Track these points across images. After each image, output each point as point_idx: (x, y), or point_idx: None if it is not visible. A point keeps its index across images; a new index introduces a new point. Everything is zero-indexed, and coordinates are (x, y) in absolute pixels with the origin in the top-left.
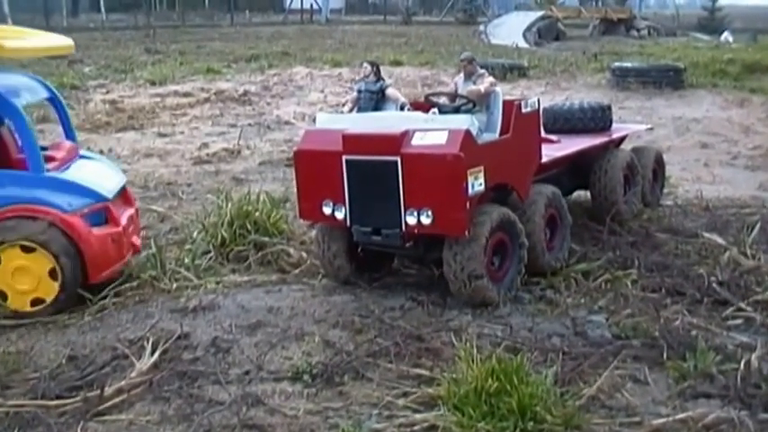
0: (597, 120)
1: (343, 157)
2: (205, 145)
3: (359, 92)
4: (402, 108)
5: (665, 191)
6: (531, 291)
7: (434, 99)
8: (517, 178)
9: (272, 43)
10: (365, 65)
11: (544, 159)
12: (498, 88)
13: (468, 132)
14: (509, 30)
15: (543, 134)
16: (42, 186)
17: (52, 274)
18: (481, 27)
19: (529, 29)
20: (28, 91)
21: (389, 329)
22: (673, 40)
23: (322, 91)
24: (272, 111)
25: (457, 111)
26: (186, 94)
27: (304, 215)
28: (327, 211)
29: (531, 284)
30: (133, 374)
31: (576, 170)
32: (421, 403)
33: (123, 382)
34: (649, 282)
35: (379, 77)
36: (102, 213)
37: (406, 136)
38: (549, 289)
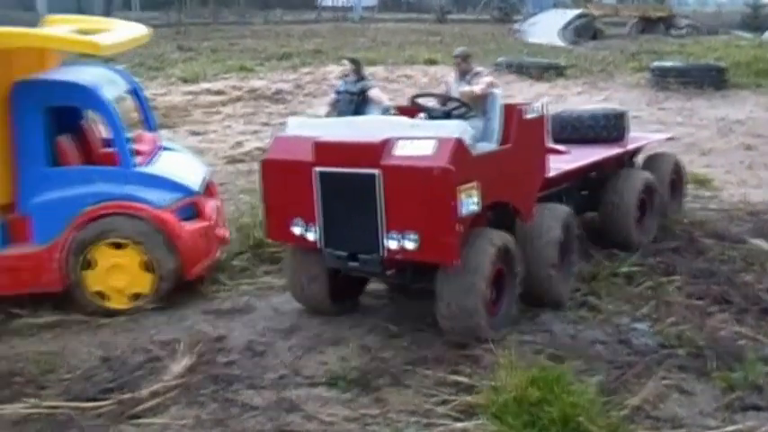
0: (610, 128)
1: (315, 169)
2: (239, 144)
3: (337, 93)
4: (386, 112)
5: (709, 194)
6: (572, 297)
7: (422, 102)
8: (519, 196)
9: (305, 41)
10: (344, 61)
11: (551, 173)
12: (498, 90)
13: (459, 141)
14: (545, 28)
15: (550, 144)
16: (133, 182)
17: (145, 266)
18: (516, 25)
19: (565, 27)
20: (112, 84)
21: (426, 335)
22: (714, 39)
23: None
24: (304, 109)
25: (448, 116)
26: (219, 92)
27: (271, 234)
28: (297, 231)
29: (571, 290)
30: (167, 377)
31: (585, 186)
32: (460, 411)
33: (158, 385)
34: (694, 289)
35: (360, 77)
36: (191, 208)
37: (387, 145)
38: (590, 295)
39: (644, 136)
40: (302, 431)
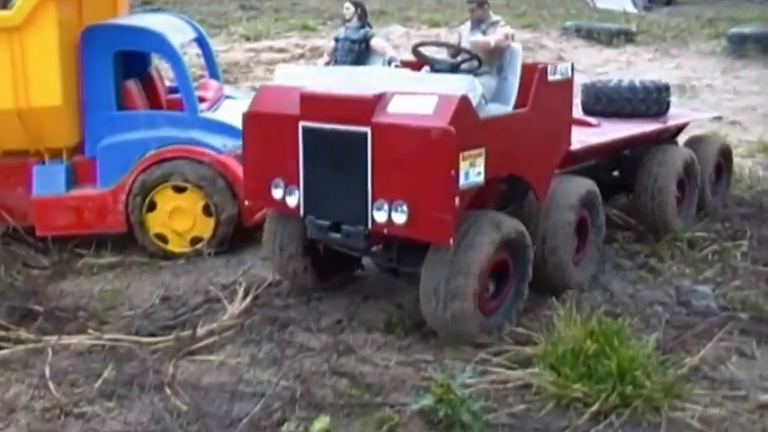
0: (650, 102)
1: (300, 124)
2: None
3: (336, 40)
4: (389, 64)
5: None
6: (632, 258)
7: (425, 52)
8: (533, 169)
9: (369, 1)
10: (347, 4)
11: (574, 146)
12: (517, 44)
13: (464, 100)
14: None
15: (580, 115)
16: (197, 127)
17: (206, 210)
18: None
19: None
20: (180, 31)
21: None
22: None
23: None
24: None
25: (455, 69)
26: (281, 50)
27: (250, 195)
28: (277, 193)
29: (632, 252)
30: (225, 317)
31: (617, 166)
32: (515, 361)
33: (215, 324)
34: (760, 254)
35: (364, 23)
36: None
37: (380, 100)
38: (652, 257)
39: (687, 113)
40: (356, 373)
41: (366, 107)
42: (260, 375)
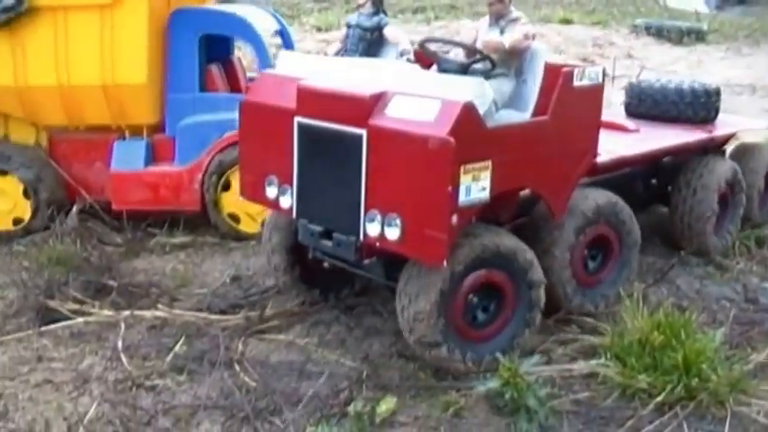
0: (697, 107)
1: (295, 119)
2: None
3: (348, 26)
4: (402, 56)
5: None
6: (700, 254)
7: (431, 47)
8: (550, 183)
9: None
10: None
11: (603, 158)
12: (539, 44)
13: (469, 107)
14: None
15: (621, 119)
16: None
17: None
18: None
19: None
20: (264, 21)
21: None
22: None
23: None
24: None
25: (465, 70)
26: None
27: (245, 192)
28: (271, 192)
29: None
30: (294, 300)
31: (656, 174)
32: (580, 352)
33: (285, 306)
34: None
35: (378, 9)
36: None
37: (380, 100)
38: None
39: (738, 121)
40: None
41: (363, 107)
42: (327, 356)
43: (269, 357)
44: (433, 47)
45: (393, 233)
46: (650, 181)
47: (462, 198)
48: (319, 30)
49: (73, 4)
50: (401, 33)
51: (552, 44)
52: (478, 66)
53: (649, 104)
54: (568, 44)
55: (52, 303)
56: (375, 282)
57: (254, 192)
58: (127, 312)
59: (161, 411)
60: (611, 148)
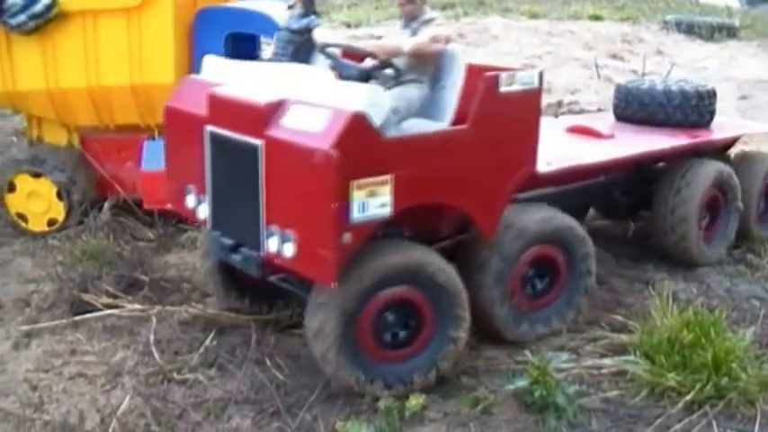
0: (687, 110)
1: (207, 128)
2: None
3: (278, 29)
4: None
5: None
6: (730, 253)
7: (330, 51)
8: (473, 198)
9: None
10: None
11: (549, 169)
12: (454, 46)
13: (358, 117)
14: None
15: (596, 124)
16: None
17: None
18: None
19: None
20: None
21: None
22: None
23: (517, 41)
24: (466, 58)
25: (367, 77)
26: (381, 38)
27: (170, 201)
28: (190, 202)
29: (729, 246)
30: None
31: (640, 180)
32: (609, 349)
33: None
34: None
35: (309, 10)
36: None
37: (278, 109)
38: (749, 253)
39: (737, 124)
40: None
41: (260, 116)
42: None
43: (300, 352)
44: (331, 51)
45: (289, 250)
46: (634, 188)
47: (356, 215)
48: (348, 26)
49: (102, 8)
50: (330, 35)
51: (582, 41)
52: (389, 71)
53: (635, 107)
54: (598, 40)
55: (86, 297)
56: None
57: (176, 201)
58: (158, 307)
59: (192, 405)
60: (572, 155)
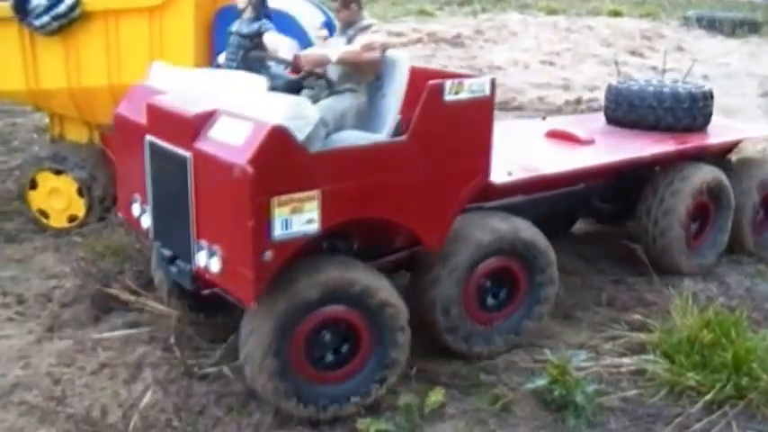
0: (680, 113)
1: (147, 137)
2: None
3: (228, 33)
4: (286, 67)
5: None
6: (750, 252)
7: (259, 55)
8: (417, 214)
9: None
10: None
11: (508, 179)
12: (396, 53)
13: (278, 130)
14: None
15: (576, 129)
16: None
17: None
18: None
19: None
20: (311, 14)
21: (600, 278)
22: None
23: (536, 38)
24: (484, 55)
25: (297, 87)
26: (398, 34)
27: (119, 208)
28: (135, 211)
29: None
30: None
31: (619, 188)
32: (629, 348)
33: None
34: None
35: (260, 14)
36: None
37: (207, 121)
38: None
39: (736, 127)
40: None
41: (189, 127)
42: None
43: None
44: (259, 58)
45: (215, 266)
46: (616, 194)
47: (278, 232)
48: None
49: (124, 8)
50: (282, 40)
51: (601, 37)
52: (321, 81)
53: (625, 109)
54: (617, 37)
55: (108, 292)
56: None
57: (124, 209)
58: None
59: (213, 400)
60: (540, 164)
